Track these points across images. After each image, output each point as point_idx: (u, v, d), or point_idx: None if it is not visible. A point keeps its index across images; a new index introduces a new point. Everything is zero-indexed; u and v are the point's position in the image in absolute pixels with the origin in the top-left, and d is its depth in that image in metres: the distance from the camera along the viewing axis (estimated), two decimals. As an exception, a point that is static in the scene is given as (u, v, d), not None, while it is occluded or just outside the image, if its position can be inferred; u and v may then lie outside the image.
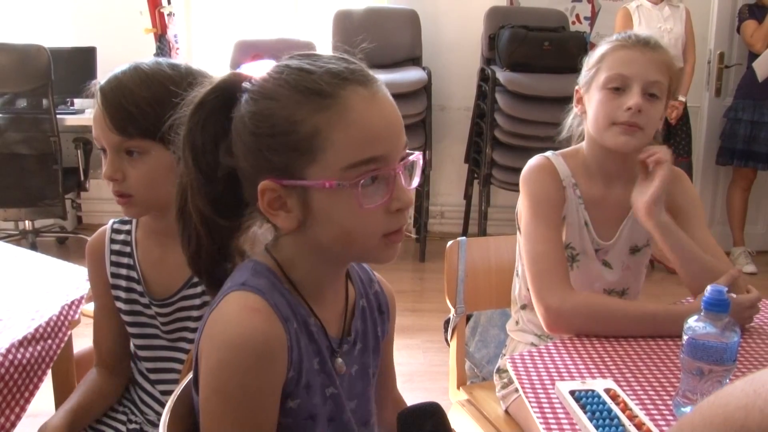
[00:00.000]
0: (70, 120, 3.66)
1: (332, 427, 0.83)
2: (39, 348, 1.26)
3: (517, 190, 1.42)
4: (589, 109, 1.36)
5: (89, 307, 1.36)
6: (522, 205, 1.37)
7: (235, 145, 0.78)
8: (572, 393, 1.01)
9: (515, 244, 1.64)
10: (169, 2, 3.77)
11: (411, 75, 3.66)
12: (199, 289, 1.15)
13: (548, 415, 0.98)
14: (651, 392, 1.04)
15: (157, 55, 3.68)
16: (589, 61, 1.37)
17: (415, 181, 0.81)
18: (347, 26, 3.82)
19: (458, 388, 1.58)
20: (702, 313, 0.98)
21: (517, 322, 1.50)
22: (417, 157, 0.80)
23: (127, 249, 1.20)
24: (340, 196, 0.74)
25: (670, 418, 0.98)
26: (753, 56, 3.68)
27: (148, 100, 1.05)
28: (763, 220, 4.22)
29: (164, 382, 1.22)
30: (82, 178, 3.65)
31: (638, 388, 1.05)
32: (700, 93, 4.00)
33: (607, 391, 1.01)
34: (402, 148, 0.78)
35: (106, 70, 1.13)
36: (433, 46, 4.03)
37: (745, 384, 0.45)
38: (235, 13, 4.22)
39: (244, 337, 0.73)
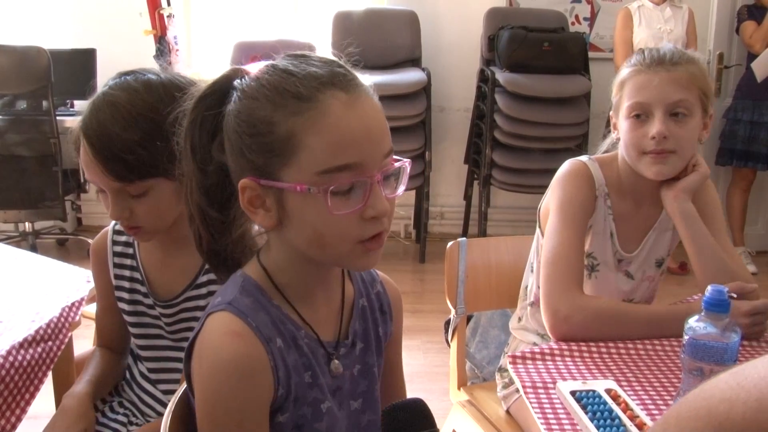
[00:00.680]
0: (70, 122, 3.65)
1: None
2: (39, 350, 1.25)
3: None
4: (621, 134, 1.33)
5: (90, 309, 1.37)
6: (550, 204, 1.35)
7: (224, 141, 0.79)
8: (573, 393, 1.01)
9: (515, 245, 1.64)
10: (168, 4, 3.77)
11: (410, 76, 3.66)
12: (203, 291, 1.15)
13: (549, 416, 0.98)
14: (652, 392, 1.04)
15: (156, 56, 3.68)
16: (614, 85, 1.34)
17: (401, 189, 0.80)
18: (347, 27, 3.82)
19: (459, 388, 1.58)
20: (703, 314, 0.98)
21: (520, 319, 1.50)
22: (402, 164, 0.80)
23: (130, 251, 1.20)
24: (313, 200, 0.74)
25: (671, 418, 0.98)
26: (752, 57, 3.69)
27: (139, 143, 1.01)
28: (762, 221, 4.22)
29: (166, 382, 1.22)
30: (82, 179, 3.65)
31: (639, 388, 1.05)
32: (699, 93, 3.99)
33: (608, 391, 1.01)
34: (383, 155, 0.77)
35: (105, 72, 1.13)
36: (432, 47, 4.03)
37: (730, 376, 0.45)
38: (234, 14, 4.22)
39: (225, 362, 0.75)
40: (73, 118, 3.72)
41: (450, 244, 1.57)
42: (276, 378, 0.78)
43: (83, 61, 3.85)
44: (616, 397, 0.99)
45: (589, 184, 1.34)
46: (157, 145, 0.99)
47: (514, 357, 1.14)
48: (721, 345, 0.96)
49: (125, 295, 1.20)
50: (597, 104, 3.79)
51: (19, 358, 1.20)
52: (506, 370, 1.42)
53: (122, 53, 3.70)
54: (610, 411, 0.96)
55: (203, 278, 1.15)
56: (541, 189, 4.19)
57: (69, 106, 3.88)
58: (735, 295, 1.04)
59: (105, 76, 1.10)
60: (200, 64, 4.24)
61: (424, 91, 3.66)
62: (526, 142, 3.63)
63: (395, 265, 3.74)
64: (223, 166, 0.80)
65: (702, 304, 0.99)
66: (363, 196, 0.75)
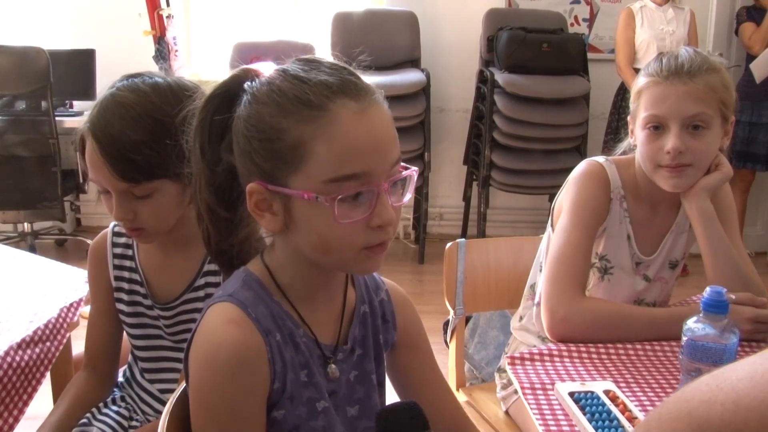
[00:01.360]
0: (69, 122, 3.65)
1: None
2: (37, 350, 1.25)
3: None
4: (637, 143, 1.30)
5: (88, 310, 1.36)
6: (564, 204, 1.34)
7: (233, 143, 0.79)
8: (571, 394, 1.01)
9: (514, 246, 1.64)
10: (168, 4, 3.77)
11: (410, 77, 3.66)
12: (202, 293, 1.16)
13: (547, 417, 0.98)
14: (650, 394, 1.04)
15: (155, 57, 3.68)
16: (633, 91, 1.31)
17: (407, 197, 0.80)
18: (346, 28, 3.82)
19: (458, 389, 1.58)
20: (701, 315, 0.98)
21: (521, 318, 1.49)
22: (410, 172, 0.80)
23: (129, 252, 1.20)
24: (320, 208, 0.74)
25: (670, 419, 0.98)
26: (751, 58, 3.68)
27: (147, 144, 1.02)
28: (762, 222, 4.22)
29: (164, 382, 1.22)
30: (81, 180, 3.65)
31: (637, 389, 1.05)
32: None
33: (607, 392, 1.01)
34: (390, 164, 0.77)
35: (105, 73, 1.13)
36: (431, 48, 4.03)
37: (710, 378, 0.45)
38: (234, 14, 4.22)
39: (220, 348, 0.75)
40: (72, 118, 3.72)
41: (449, 245, 1.57)
42: (272, 371, 0.78)
43: (82, 61, 3.84)
44: (614, 399, 0.99)
45: (604, 186, 1.32)
46: (164, 146, 1.00)
47: (512, 358, 1.14)
48: (719, 346, 0.96)
49: (124, 296, 1.20)
50: (596, 105, 3.80)
51: (17, 358, 1.20)
52: (505, 371, 1.41)
53: (121, 54, 3.70)
54: (609, 412, 0.96)
55: (201, 281, 1.16)
56: (541, 190, 4.20)
57: (68, 106, 3.88)
58: (734, 297, 1.04)
59: (104, 76, 1.11)
60: (199, 64, 4.24)
61: (423, 91, 3.66)
62: (525, 143, 3.63)
63: (394, 266, 3.74)
64: (231, 167, 0.80)
65: (700, 305, 0.99)
66: (369, 205, 0.75)
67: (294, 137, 0.74)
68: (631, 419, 0.94)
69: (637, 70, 3.25)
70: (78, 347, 1.48)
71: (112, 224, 1.22)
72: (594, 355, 1.15)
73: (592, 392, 1.01)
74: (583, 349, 1.17)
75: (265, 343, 0.77)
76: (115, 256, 1.20)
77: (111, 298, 1.21)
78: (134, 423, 1.23)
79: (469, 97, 3.92)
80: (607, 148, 1.30)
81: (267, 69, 0.80)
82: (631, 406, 0.98)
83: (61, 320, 1.34)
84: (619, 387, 1.04)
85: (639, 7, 3.59)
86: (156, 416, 1.21)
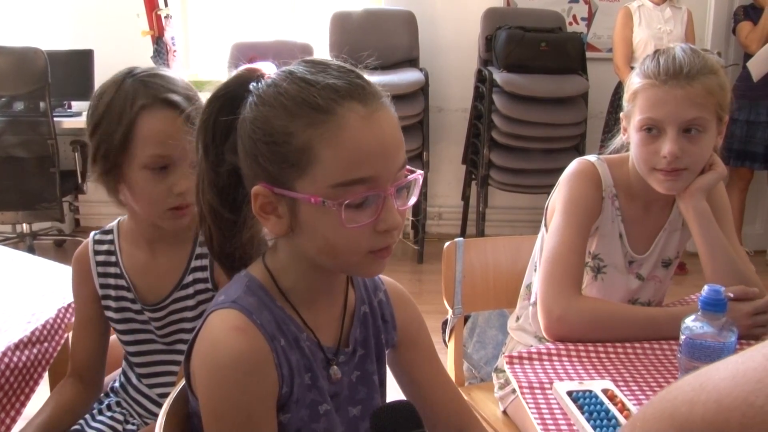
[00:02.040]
0: (68, 122, 3.65)
1: None
2: (35, 351, 1.25)
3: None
4: (631, 144, 1.29)
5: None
6: (556, 203, 1.34)
7: (238, 145, 0.79)
8: (570, 393, 1.00)
9: (513, 245, 1.64)
10: (166, 5, 3.77)
11: (408, 76, 3.66)
12: (191, 290, 1.15)
13: (546, 416, 0.98)
14: (649, 392, 1.04)
15: (153, 58, 3.67)
16: (627, 90, 1.29)
17: (412, 200, 0.80)
18: (345, 28, 3.82)
19: (456, 389, 1.58)
20: (699, 313, 0.98)
21: (518, 318, 1.49)
22: (416, 176, 0.80)
23: (112, 258, 1.19)
24: (326, 212, 0.74)
25: (668, 418, 0.97)
26: (749, 57, 3.69)
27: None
28: (760, 220, 4.22)
29: (161, 386, 1.22)
30: (80, 180, 3.65)
31: (636, 388, 1.05)
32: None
33: (605, 391, 1.01)
34: (397, 169, 0.77)
35: (103, 73, 1.12)
36: (430, 48, 4.03)
37: (693, 378, 0.45)
38: (232, 15, 4.21)
39: (230, 356, 0.75)
40: (70, 119, 3.72)
41: (447, 244, 1.57)
42: (280, 375, 0.78)
43: (80, 62, 3.84)
44: (612, 398, 0.99)
45: (596, 185, 1.32)
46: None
47: (511, 357, 1.14)
48: (717, 345, 0.96)
49: (112, 303, 1.19)
50: (594, 104, 3.80)
51: (15, 359, 1.20)
52: (502, 371, 1.41)
53: (120, 54, 3.68)
54: (607, 411, 0.96)
55: (189, 278, 1.15)
56: (540, 189, 4.20)
57: (66, 107, 3.87)
58: (732, 295, 1.04)
59: (102, 77, 1.10)
60: (198, 64, 4.23)
61: (422, 91, 3.66)
62: (524, 143, 3.63)
63: (393, 266, 3.73)
64: (235, 168, 0.80)
65: (699, 303, 0.99)
66: (376, 209, 0.75)
67: (301, 141, 0.73)
68: (630, 418, 0.94)
69: (635, 69, 3.25)
70: (76, 348, 1.48)
71: (92, 233, 1.21)
72: (592, 354, 1.15)
73: (591, 391, 1.01)
74: (581, 348, 1.17)
75: (271, 349, 0.77)
76: (98, 263, 1.19)
77: (95, 307, 1.19)
78: (129, 427, 1.22)
79: (468, 97, 3.92)
80: (604, 146, 1.30)
81: (268, 69, 0.80)
82: (629, 405, 0.98)
83: (59, 321, 1.34)
84: (618, 386, 1.04)
85: (637, 6, 3.59)
86: (152, 419, 1.21)
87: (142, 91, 1.05)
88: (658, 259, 1.39)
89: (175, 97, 1.05)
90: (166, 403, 0.85)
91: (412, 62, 3.92)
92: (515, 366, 1.11)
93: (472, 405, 1.52)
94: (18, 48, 3.49)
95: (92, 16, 4.03)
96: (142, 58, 3.62)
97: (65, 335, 1.35)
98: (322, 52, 3.87)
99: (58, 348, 1.32)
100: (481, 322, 1.69)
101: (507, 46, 3.63)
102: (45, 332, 1.29)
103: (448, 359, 1.59)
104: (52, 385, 1.40)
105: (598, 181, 1.32)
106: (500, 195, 3.97)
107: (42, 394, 1.30)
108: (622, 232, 1.35)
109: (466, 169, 4.01)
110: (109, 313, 1.19)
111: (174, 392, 0.87)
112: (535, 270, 1.45)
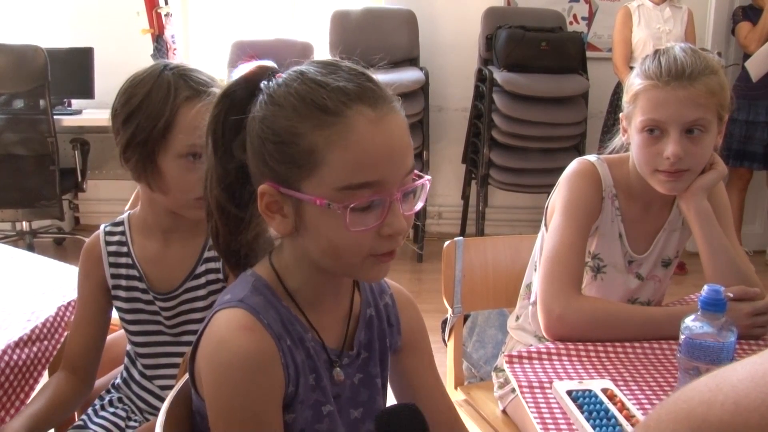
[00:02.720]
0: (67, 121, 3.65)
1: None
2: (35, 349, 1.25)
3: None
4: (632, 145, 1.29)
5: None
6: (556, 203, 1.33)
7: (247, 143, 0.79)
8: (569, 393, 1.01)
9: (512, 245, 1.64)
10: (166, 3, 3.76)
11: (408, 75, 3.66)
12: (202, 280, 1.16)
13: (545, 415, 0.98)
14: (648, 392, 1.04)
15: (153, 56, 3.67)
16: (627, 91, 1.28)
17: (419, 205, 0.80)
18: (345, 27, 3.82)
19: (456, 388, 1.58)
20: (699, 313, 0.98)
21: (518, 318, 1.49)
22: (423, 182, 0.79)
23: (124, 249, 1.20)
24: (331, 215, 0.74)
25: (667, 417, 0.98)
26: (748, 57, 3.69)
27: None
28: (760, 220, 4.22)
29: (164, 378, 1.22)
30: (80, 178, 3.65)
31: (635, 388, 1.05)
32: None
33: (605, 390, 1.01)
34: (404, 174, 0.76)
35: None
36: (430, 47, 4.03)
37: (709, 379, 0.45)
38: (232, 13, 4.21)
39: (237, 356, 0.75)
40: (70, 117, 3.72)
41: (447, 243, 1.57)
42: (287, 375, 0.78)
43: (80, 60, 3.83)
44: (612, 397, 0.99)
45: (595, 185, 1.32)
46: None
47: (510, 357, 1.14)
48: (717, 344, 0.96)
49: (122, 293, 1.20)
50: (595, 104, 3.80)
51: (15, 357, 1.20)
52: (502, 370, 1.41)
53: (119, 52, 3.69)
54: (607, 411, 0.96)
55: (201, 268, 1.16)
56: (539, 189, 4.21)
57: (66, 105, 3.87)
58: (731, 295, 1.04)
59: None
60: (198, 63, 4.23)
61: (422, 90, 3.66)
62: (524, 142, 3.63)
63: (393, 264, 3.70)
64: (243, 165, 0.80)
65: (698, 303, 0.99)
66: (381, 213, 0.75)
67: (309, 142, 0.73)
68: (629, 418, 0.94)
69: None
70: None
71: (102, 226, 1.22)
72: (592, 354, 1.15)
73: (590, 391, 1.01)
74: (581, 347, 1.17)
75: (278, 348, 0.77)
76: (110, 254, 1.20)
77: (100, 300, 1.20)
78: (132, 423, 1.23)
79: (468, 96, 3.92)
80: (603, 146, 1.30)
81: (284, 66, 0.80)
82: (629, 404, 0.98)
83: (59, 319, 1.34)
84: (617, 385, 1.04)
85: (636, 5, 3.59)
86: (155, 414, 1.21)
87: (183, 84, 1.09)
88: (658, 259, 1.39)
89: (216, 90, 1.07)
90: (166, 402, 0.85)
91: (412, 61, 3.92)
92: (515, 365, 1.11)
93: (471, 404, 1.52)
94: (18, 46, 3.49)
95: (92, 14, 4.03)
96: (142, 56, 3.61)
97: (65, 333, 1.35)
98: (322, 50, 3.87)
99: (58, 346, 1.32)
100: (480, 322, 1.69)
101: (507, 46, 3.63)
102: (45, 330, 1.29)
103: (447, 358, 1.59)
104: (52, 383, 1.40)
105: (598, 181, 1.32)
106: (500, 194, 3.98)
107: (42, 392, 1.30)
108: (622, 232, 1.35)
109: (466, 168, 4.01)
110: (118, 303, 1.20)
111: (174, 391, 0.87)
112: (535, 269, 1.45)
